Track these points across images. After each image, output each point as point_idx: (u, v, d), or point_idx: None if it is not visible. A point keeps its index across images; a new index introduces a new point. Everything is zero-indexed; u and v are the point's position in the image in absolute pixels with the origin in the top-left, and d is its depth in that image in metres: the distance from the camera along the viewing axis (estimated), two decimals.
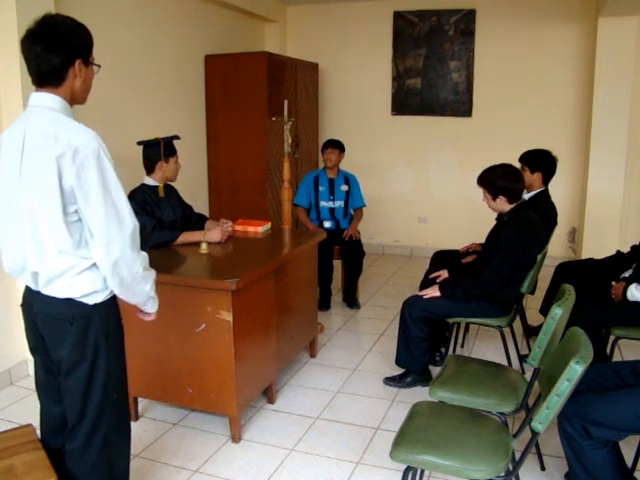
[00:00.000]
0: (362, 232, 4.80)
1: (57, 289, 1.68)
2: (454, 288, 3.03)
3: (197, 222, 3.36)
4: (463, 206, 6.01)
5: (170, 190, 3.25)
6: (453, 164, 6.04)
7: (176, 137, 3.22)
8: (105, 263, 1.63)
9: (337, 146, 4.65)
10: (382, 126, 6.20)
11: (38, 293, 1.72)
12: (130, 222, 1.64)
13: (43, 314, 1.72)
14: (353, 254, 4.53)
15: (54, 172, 1.56)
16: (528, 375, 3.12)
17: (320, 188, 4.69)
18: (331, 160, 4.63)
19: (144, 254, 1.73)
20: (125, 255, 1.64)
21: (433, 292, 3.07)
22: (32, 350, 1.85)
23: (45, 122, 1.59)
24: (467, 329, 3.91)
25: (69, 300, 1.68)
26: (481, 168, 3.12)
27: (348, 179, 4.78)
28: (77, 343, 1.70)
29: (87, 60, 1.69)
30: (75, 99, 1.71)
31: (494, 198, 3.02)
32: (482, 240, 3.44)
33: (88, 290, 1.68)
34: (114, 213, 1.61)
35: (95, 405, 1.74)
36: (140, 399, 2.95)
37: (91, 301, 1.69)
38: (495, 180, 2.98)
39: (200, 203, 5.15)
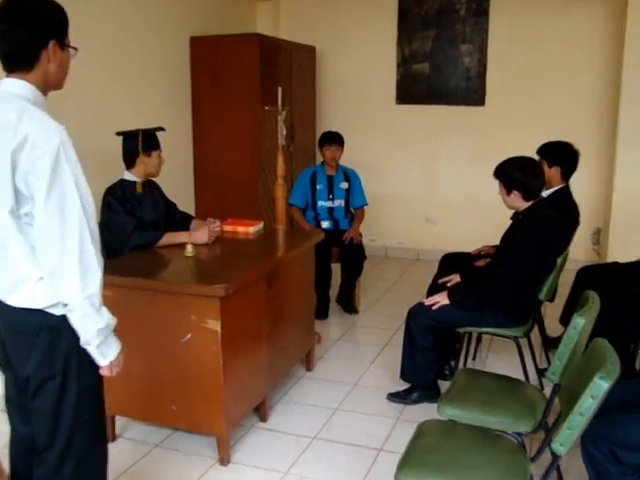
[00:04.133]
0: (363, 233, 4.83)
1: (20, 298, 1.66)
2: (465, 294, 3.04)
3: (181, 222, 3.36)
4: (475, 205, 6.02)
5: (152, 187, 3.26)
6: (464, 158, 6.05)
7: (160, 129, 3.22)
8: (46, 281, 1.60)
9: (338, 141, 4.66)
10: (385, 116, 6.20)
11: (1, 304, 1.70)
12: (76, 237, 1.56)
13: (7, 326, 1.71)
14: (353, 258, 4.55)
15: (8, 167, 1.54)
16: (547, 391, 3.00)
17: (318, 186, 4.70)
18: (332, 158, 4.66)
19: (96, 289, 1.61)
20: (67, 283, 1.57)
21: (442, 299, 3.07)
22: (2, 366, 1.83)
23: (9, 111, 1.56)
24: (479, 340, 3.90)
25: (34, 310, 1.65)
26: (494, 162, 3.13)
27: (348, 175, 4.79)
28: (45, 358, 1.67)
29: (62, 42, 1.66)
30: (49, 85, 1.68)
31: (508, 192, 3.04)
32: (496, 242, 3.45)
33: (54, 300, 1.64)
34: (58, 225, 1.54)
35: (66, 427, 1.72)
36: (118, 417, 2.92)
37: (58, 312, 1.65)
38: (511, 172, 3.01)
39: (185, 201, 5.12)
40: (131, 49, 4.40)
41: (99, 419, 1.83)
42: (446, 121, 6.03)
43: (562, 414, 1.92)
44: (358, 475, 2.62)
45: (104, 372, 1.73)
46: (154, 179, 3.28)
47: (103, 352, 1.68)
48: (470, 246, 4.10)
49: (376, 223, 6.23)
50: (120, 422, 2.98)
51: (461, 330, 3.18)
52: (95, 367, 1.73)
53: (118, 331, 1.74)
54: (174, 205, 3.40)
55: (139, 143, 3.06)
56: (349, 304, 4.73)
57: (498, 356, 3.84)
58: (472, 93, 5.90)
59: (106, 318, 1.66)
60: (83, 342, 1.66)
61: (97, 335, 1.64)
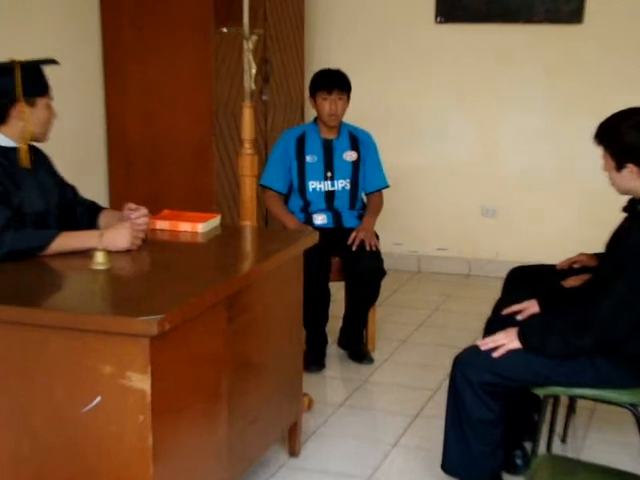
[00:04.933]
0: (383, 234, 4.80)
1: None
2: (547, 334, 3.05)
3: (85, 215, 3.39)
4: (563, 187, 6.07)
5: (38, 158, 3.27)
6: (546, 111, 6.08)
7: (50, 61, 3.24)
8: None
9: (341, 85, 4.69)
10: (419, 44, 6.25)
11: None
12: None
13: None
14: (365, 273, 4.55)
15: None
16: None
17: (308, 158, 4.74)
18: (332, 113, 4.69)
19: None
20: None
21: (509, 341, 3.08)
22: None
23: None
24: (573, 408, 3.91)
25: None
26: (597, 119, 3.15)
27: (357, 140, 4.81)
28: None
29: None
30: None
31: (619, 167, 3.08)
32: (598, 248, 3.47)
33: None
34: None
35: None
36: None
37: None
38: (623, 134, 3.04)
39: (92, 181, 5.16)
40: None
41: None
42: (517, 50, 6.09)
43: None
44: None
45: None
46: (40, 146, 3.28)
47: None
48: (554, 255, 4.11)
49: (403, 218, 6.25)
50: None
51: (542, 392, 3.17)
52: None
53: None
54: (72, 189, 3.42)
55: (15, 84, 3.05)
56: (358, 348, 4.76)
57: (604, 435, 3.83)
58: (562, 4, 5.94)
59: None
60: None
61: None
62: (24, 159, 3.13)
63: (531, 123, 6.14)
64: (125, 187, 5.37)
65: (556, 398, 3.57)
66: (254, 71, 3.78)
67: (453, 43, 6.21)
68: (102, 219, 3.37)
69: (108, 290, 2.90)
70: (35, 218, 3.16)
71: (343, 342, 4.85)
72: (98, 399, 2.53)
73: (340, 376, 4.59)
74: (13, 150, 3.14)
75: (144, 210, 3.33)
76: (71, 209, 3.35)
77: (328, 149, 4.76)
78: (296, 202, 4.77)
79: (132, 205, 3.34)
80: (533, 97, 6.10)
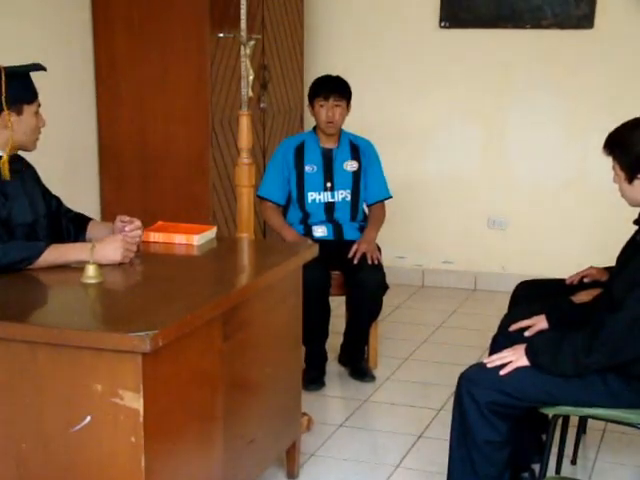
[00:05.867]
0: (385, 246, 4.82)
1: None
2: (556, 351, 3.04)
3: (73, 226, 3.39)
4: (573, 198, 6.06)
5: (23, 169, 3.26)
6: (555, 119, 6.08)
7: (38, 67, 3.24)
8: None
9: (341, 91, 4.70)
10: (421, 49, 6.25)
11: None
12: None
13: None
14: (366, 287, 4.54)
15: None
16: None
17: (307, 168, 4.76)
18: (331, 121, 4.68)
19: None
20: None
21: (516, 358, 3.07)
22: None
23: None
24: (583, 429, 3.90)
25: None
26: (611, 127, 3.15)
27: (358, 149, 4.82)
28: None
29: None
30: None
31: (630, 178, 3.08)
32: (609, 262, 3.47)
33: None
34: None
35: None
36: None
37: None
38: (634, 145, 3.04)
39: (83, 192, 5.16)
40: None
41: None
42: (525, 55, 6.08)
43: None
44: None
45: None
46: (26, 156, 3.27)
47: None
48: (564, 268, 4.12)
49: (406, 230, 6.27)
50: None
51: (551, 412, 3.16)
52: None
53: None
54: (57, 199, 3.42)
55: (1, 90, 3.04)
56: (359, 365, 4.75)
57: (615, 457, 3.81)
58: (571, 7, 5.94)
59: None
60: None
61: None
62: (4, 170, 3.10)
63: (541, 131, 6.14)
64: (118, 198, 5.36)
65: (565, 418, 3.55)
66: (252, 77, 3.79)
67: (458, 48, 6.22)
68: (90, 231, 3.36)
69: (99, 305, 2.89)
70: (24, 230, 3.15)
71: (344, 359, 4.85)
72: (88, 419, 2.51)
73: (340, 395, 4.58)
74: None
75: (137, 222, 3.31)
76: (57, 220, 3.34)
77: (328, 159, 4.77)
78: (295, 214, 4.77)
79: (124, 217, 3.33)
80: (542, 105, 6.10)
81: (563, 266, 4.39)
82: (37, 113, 3.18)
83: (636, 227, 3.23)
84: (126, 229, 3.25)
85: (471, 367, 3.19)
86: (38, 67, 3.23)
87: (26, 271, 3.04)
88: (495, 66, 6.17)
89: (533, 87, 6.12)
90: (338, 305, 4.83)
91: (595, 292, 3.54)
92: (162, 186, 5.30)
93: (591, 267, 3.89)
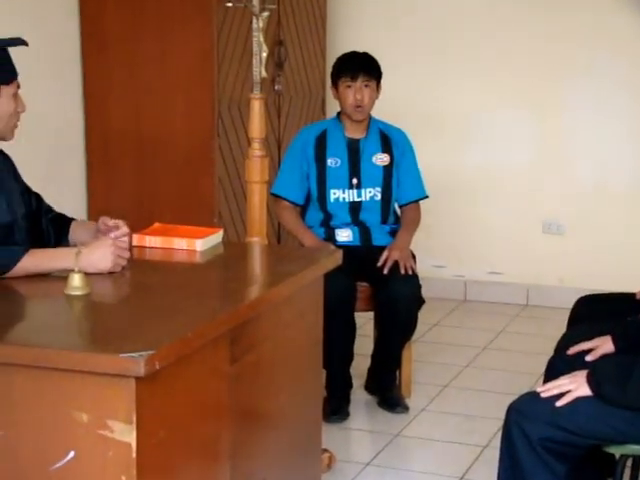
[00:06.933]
0: (422, 255, 4.84)
1: None
2: (624, 379, 2.95)
3: (50, 227, 3.36)
4: None
5: (2, 160, 3.25)
6: (627, 108, 6.08)
7: (18, 41, 3.20)
8: None
9: (370, 70, 4.65)
10: (465, 20, 6.28)
11: None
12: None
13: None
14: (398, 301, 4.47)
15: None
16: None
17: (329, 161, 4.71)
18: (357, 102, 4.62)
19: None
20: None
21: (576, 387, 2.98)
22: None
23: None
24: None
25: None
26: None
27: (390, 140, 4.77)
28: None
29: None
30: None
31: None
32: None
33: None
34: None
35: None
36: None
37: None
38: None
39: (67, 188, 5.22)
40: None
41: None
42: (591, 32, 6.05)
43: None
44: None
45: None
46: (3, 145, 3.23)
47: None
48: (631, 282, 4.11)
49: (446, 234, 6.32)
50: None
51: (617, 452, 3.08)
52: None
53: None
54: (37, 196, 3.37)
55: None
56: (389, 393, 4.67)
57: None
58: None
59: None
60: None
61: None
62: None
63: (608, 121, 6.12)
64: (107, 196, 5.37)
65: (635, 459, 3.44)
66: (265, 55, 3.79)
67: (510, 17, 6.19)
68: (74, 233, 3.32)
69: (85, 321, 2.86)
70: (1, 231, 3.12)
71: (371, 386, 4.76)
72: (71, 454, 2.44)
73: (367, 428, 4.54)
74: None
75: (124, 228, 3.26)
76: (36, 220, 3.31)
77: (354, 151, 4.69)
78: (315, 215, 4.71)
79: (108, 220, 3.28)
80: (614, 87, 6.05)
81: (630, 279, 4.36)
82: (16, 96, 3.12)
83: None
84: (111, 236, 3.20)
85: (522, 397, 3.12)
86: (18, 41, 3.16)
87: (0, 281, 3.01)
88: (556, 44, 6.12)
89: (599, 66, 6.08)
90: (365, 322, 4.81)
91: None
92: (159, 181, 5.29)
93: None
